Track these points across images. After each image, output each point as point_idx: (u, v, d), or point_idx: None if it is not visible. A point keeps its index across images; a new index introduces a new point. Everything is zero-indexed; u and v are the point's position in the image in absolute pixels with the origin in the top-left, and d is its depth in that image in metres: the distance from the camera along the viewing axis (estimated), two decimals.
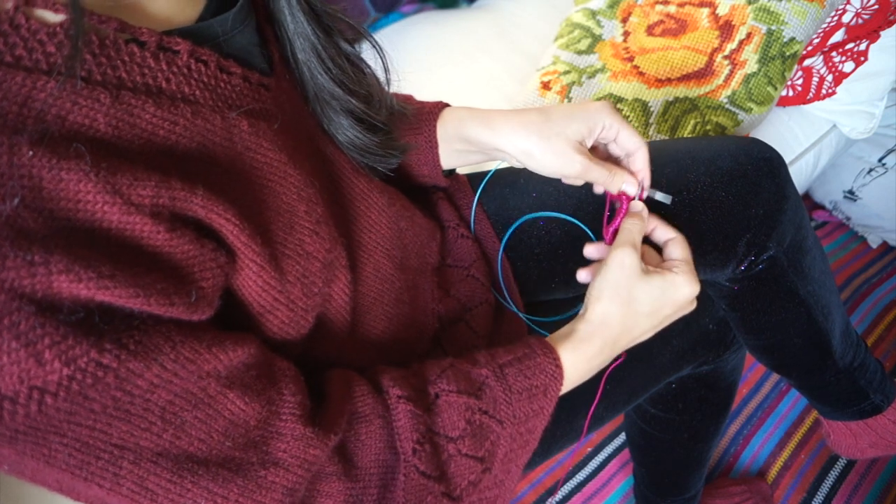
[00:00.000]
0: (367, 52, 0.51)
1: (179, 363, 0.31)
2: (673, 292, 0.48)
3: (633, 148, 0.52)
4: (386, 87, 0.51)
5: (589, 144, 0.52)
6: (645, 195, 0.53)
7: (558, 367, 0.45)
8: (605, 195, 0.56)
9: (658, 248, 0.54)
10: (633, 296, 0.47)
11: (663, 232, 0.53)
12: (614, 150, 0.54)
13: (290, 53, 0.45)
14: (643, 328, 0.49)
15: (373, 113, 0.49)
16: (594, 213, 0.60)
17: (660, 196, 0.53)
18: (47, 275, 0.27)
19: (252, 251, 0.35)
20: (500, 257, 0.63)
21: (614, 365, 0.56)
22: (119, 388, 0.29)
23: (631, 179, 0.52)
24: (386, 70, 0.51)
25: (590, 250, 0.55)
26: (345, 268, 0.44)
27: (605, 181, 0.51)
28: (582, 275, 0.54)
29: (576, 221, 0.61)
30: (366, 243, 0.49)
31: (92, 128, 0.30)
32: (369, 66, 0.50)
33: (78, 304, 0.28)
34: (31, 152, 0.27)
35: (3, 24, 0.28)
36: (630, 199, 0.52)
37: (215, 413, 0.33)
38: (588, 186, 0.60)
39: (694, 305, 0.51)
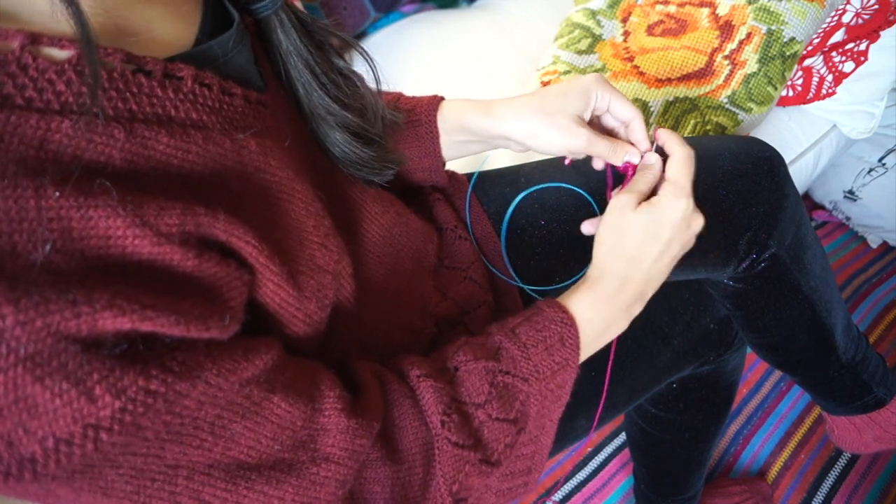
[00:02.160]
0: (355, 59, 0.51)
1: (222, 376, 0.31)
2: (660, 212, 0.48)
3: (628, 117, 0.53)
4: (378, 99, 0.51)
5: (587, 117, 0.53)
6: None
7: (566, 313, 0.46)
8: (605, 171, 0.57)
9: None
10: (626, 228, 0.48)
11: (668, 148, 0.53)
12: (609, 121, 0.55)
13: (284, 71, 0.44)
14: (650, 256, 0.48)
15: (368, 126, 0.49)
16: (595, 212, 0.61)
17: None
18: (91, 313, 0.26)
19: (270, 271, 0.35)
20: (504, 227, 0.63)
21: (612, 353, 0.55)
22: (169, 412, 0.29)
23: (634, 150, 0.53)
24: (377, 82, 0.51)
25: (586, 225, 0.56)
26: (350, 276, 0.44)
27: (609, 153, 0.52)
28: (585, 226, 0.55)
29: (583, 192, 0.61)
30: (360, 252, 0.49)
31: (108, 164, 0.29)
32: (362, 79, 0.50)
33: (120, 336, 0.28)
34: (57, 193, 0.26)
35: (11, 66, 0.27)
36: (635, 167, 0.53)
37: (263, 419, 0.33)
38: (589, 183, 0.60)
39: (699, 220, 0.50)
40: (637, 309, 0.49)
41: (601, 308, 0.47)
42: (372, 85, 0.51)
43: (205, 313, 0.30)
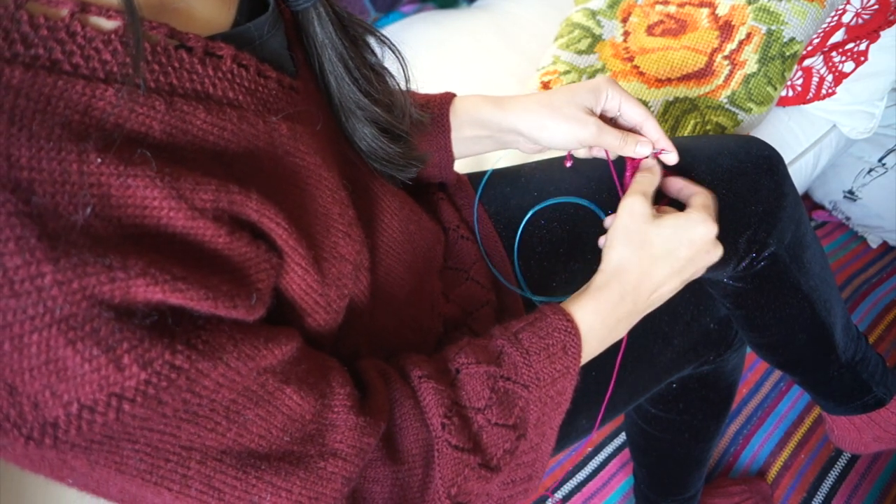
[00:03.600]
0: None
1: (242, 360, 0.31)
2: (685, 230, 0.47)
3: (640, 119, 0.53)
4: (406, 96, 0.52)
5: (597, 112, 0.53)
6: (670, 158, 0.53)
7: (570, 321, 0.45)
8: (607, 171, 0.57)
9: (682, 208, 0.53)
10: (644, 238, 0.47)
11: (690, 189, 0.53)
12: (622, 125, 0.55)
13: (318, 63, 0.45)
14: (663, 273, 0.48)
15: (395, 122, 0.49)
16: (597, 210, 0.61)
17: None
18: (126, 279, 0.26)
19: (298, 255, 0.36)
20: (515, 245, 0.63)
21: (622, 352, 0.55)
22: (189, 390, 0.29)
23: (645, 140, 0.52)
24: (407, 80, 0.51)
25: (609, 220, 0.56)
26: (367, 269, 0.44)
27: (619, 143, 0.52)
28: (602, 240, 0.54)
29: (590, 205, 0.61)
30: (379, 246, 0.49)
31: (148, 135, 0.30)
32: (392, 76, 0.51)
33: (150, 307, 0.28)
34: (99, 159, 0.27)
35: (60, 32, 0.27)
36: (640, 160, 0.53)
37: (274, 409, 0.34)
38: (589, 184, 0.59)
39: (718, 250, 0.49)
40: (635, 320, 0.49)
41: (604, 317, 0.47)
42: (402, 83, 0.51)
43: (233, 291, 0.31)
